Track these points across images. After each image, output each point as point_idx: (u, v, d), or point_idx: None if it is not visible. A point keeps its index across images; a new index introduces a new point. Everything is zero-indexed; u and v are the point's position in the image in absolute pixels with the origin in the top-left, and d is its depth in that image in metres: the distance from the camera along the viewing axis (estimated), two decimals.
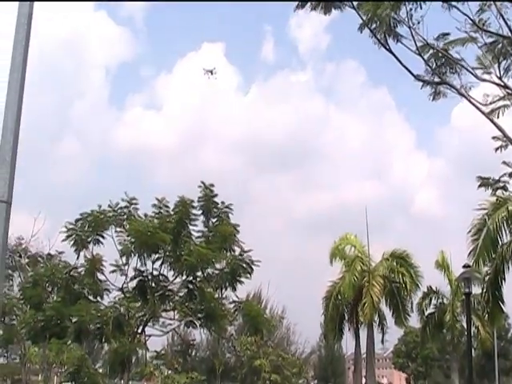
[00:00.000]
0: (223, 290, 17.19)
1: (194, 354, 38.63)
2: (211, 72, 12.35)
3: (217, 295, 17.20)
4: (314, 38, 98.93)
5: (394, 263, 27.09)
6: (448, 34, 17.21)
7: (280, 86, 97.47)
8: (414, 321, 29.05)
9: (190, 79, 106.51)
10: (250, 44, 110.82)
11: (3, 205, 7.19)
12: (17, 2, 7.66)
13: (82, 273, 16.62)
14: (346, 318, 28.14)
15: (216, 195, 17.05)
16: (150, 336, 18.20)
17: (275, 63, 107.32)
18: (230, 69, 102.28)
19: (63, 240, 16.53)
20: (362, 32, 16.58)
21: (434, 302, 28.57)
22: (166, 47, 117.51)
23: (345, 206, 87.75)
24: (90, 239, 16.34)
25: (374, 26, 16.40)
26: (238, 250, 17.06)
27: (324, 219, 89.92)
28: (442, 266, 27.71)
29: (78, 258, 16.56)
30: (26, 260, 26.46)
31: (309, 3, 16.36)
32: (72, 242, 16.35)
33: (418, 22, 16.46)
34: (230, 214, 17.15)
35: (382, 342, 31.73)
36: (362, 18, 16.22)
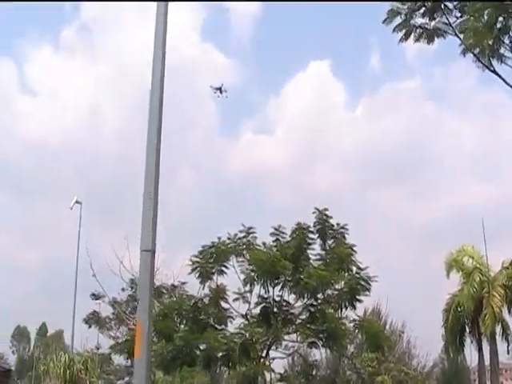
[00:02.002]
0: (343, 310, 17.29)
1: (315, 373, 38.62)
2: (220, 90, 11.49)
3: (337, 315, 17.29)
4: (421, 43, 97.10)
5: None
6: None
7: (389, 96, 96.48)
8: None
9: (299, 100, 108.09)
10: (357, 58, 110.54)
11: (148, 253, 7.79)
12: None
13: (207, 302, 17.19)
14: (467, 329, 27.50)
15: (331, 217, 17.29)
16: (273, 359, 18.54)
17: (383, 74, 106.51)
18: (337, 85, 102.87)
19: (189, 273, 17.36)
20: (464, 56, 16.54)
21: None
22: (274, 70, 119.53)
23: (461, 213, 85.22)
24: (213, 270, 16.94)
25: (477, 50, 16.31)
26: (354, 269, 17.20)
27: (440, 228, 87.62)
28: None
29: (203, 288, 17.24)
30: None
31: (412, 35, 16.56)
32: (197, 275, 17.02)
33: None
34: (345, 234, 17.32)
35: (508, 352, 30.65)
36: (465, 45, 16.17)
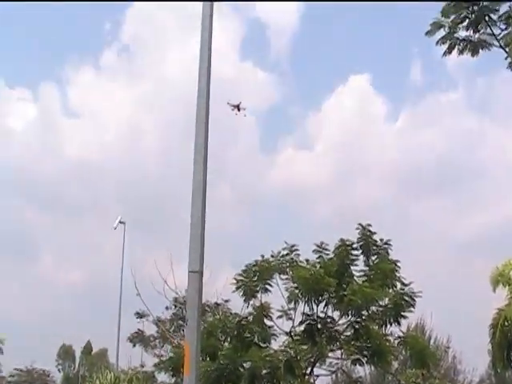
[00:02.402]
0: (388, 326, 17.17)
1: None
2: (238, 107, 10.36)
3: (382, 332, 17.17)
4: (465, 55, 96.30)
5: None
6: None
7: (430, 107, 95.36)
8: None
9: (339, 114, 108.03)
10: (397, 70, 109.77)
11: (196, 275, 7.89)
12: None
13: (251, 320, 17.24)
14: None
15: (374, 233, 17.23)
16: (318, 376, 18.49)
17: (424, 86, 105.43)
18: (377, 99, 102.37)
19: (233, 291, 17.40)
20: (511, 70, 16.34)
21: None
22: (314, 85, 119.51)
23: (507, 225, 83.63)
24: (257, 288, 16.99)
25: None
26: (399, 285, 17.09)
27: (484, 241, 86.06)
28: None
29: (247, 307, 17.30)
30: None
31: (456, 48, 16.47)
32: (241, 293, 17.10)
33: None
34: (389, 250, 17.24)
35: None
36: (511, 58, 16.03)
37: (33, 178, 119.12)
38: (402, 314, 16.95)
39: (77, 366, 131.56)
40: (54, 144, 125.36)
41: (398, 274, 17.05)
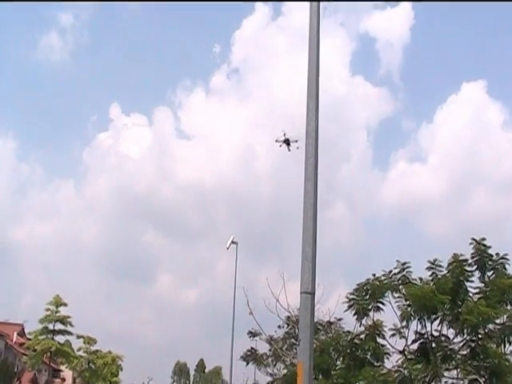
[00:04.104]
0: (507, 345, 16.58)
1: None
2: (287, 142, 9.64)
3: (500, 350, 16.59)
4: None
5: None
6: None
7: None
8: None
9: (453, 124, 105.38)
10: None
11: (308, 296, 8.07)
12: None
13: (363, 338, 17.17)
14: None
15: (489, 247, 16.71)
16: None
17: None
18: (493, 106, 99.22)
19: (345, 310, 17.42)
20: None
21: None
22: (425, 96, 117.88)
23: None
24: (370, 307, 16.92)
25: None
26: None
27: None
28: None
29: (360, 325, 17.23)
30: None
31: None
32: (354, 312, 17.08)
33: None
34: (506, 265, 16.66)
35: None
36: None
37: (150, 201, 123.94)
38: None
39: (191, 383, 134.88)
40: (168, 168, 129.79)
41: None
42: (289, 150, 9.32)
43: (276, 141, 9.55)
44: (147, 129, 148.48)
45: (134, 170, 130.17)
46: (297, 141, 9.86)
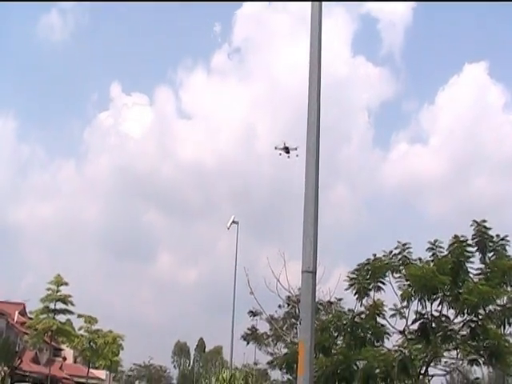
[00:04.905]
0: (506, 326, 16.64)
1: None
2: (286, 150, 9.58)
3: (500, 331, 16.66)
4: None
5: None
6: None
7: None
8: None
9: (454, 105, 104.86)
10: None
11: (310, 275, 8.09)
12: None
13: (364, 317, 17.24)
14: None
15: (490, 229, 16.72)
16: (432, 376, 18.20)
17: None
18: (495, 88, 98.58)
19: (346, 289, 17.50)
20: None
21: None
22: (426, 78, 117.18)
23: None
24: (370, 287, 16.98)
25: None
26: None
27: None
28: None
29: (361, 305, 17.32)
30: None
31: None
32: (354, 291, 17.14)
33: None
34: (507, 246, 16.66)
35: None
36: None
37: (151, 181, 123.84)
38: None
39: (191, 362, 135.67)
40: (169, 147, 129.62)
41: None
42: (288, 157, 9.32)
43: (275, 148, 9.45)
44: (148, 108, 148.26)
45: (135, 150, 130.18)
46: (296, 148, 9.89)
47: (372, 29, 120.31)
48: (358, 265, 17.42)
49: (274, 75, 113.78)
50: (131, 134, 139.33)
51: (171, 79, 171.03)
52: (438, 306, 16.61)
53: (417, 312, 16.73)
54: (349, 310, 18.24)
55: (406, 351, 16.28)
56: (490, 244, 16.70)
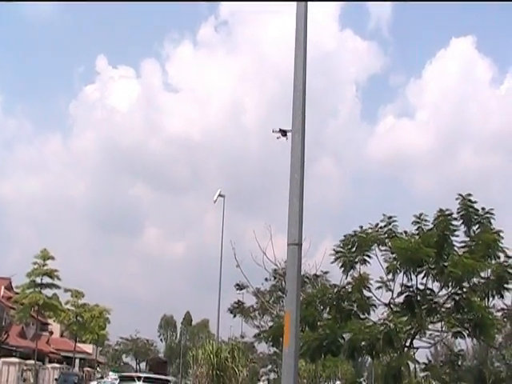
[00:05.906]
0: (490, 299, 16.79)
1: (460, 363, 37.72)
2: (284, 133, 9.33)
3: (484, 304, 16.80)
4: None
5: None
6: None
7: None
8: None
9: (441, 80, 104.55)
10: (503, 31, 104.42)
11: (295, 247, 8.09)
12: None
13: (349, 290, 17.29)
14: None
15: (475, 202, 16.78)
16: (417, 348, 18.36)
17: None
18: (482, 62, 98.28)
19: (332, 262, 17.53)
20: None
21: None
22: (414, 52, 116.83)
23: None
24: (356, 259, 17.00)
25: None
26: (502, 256, 16.60)
27: None
28: None
29: (346, 278, 17.37)
30: None
31: None
32: (340, 264, 17.17)
33: None
34: (492, 220, 16.75)
35: None
36: None
37: (138, 155, 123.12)
38: (506, 286, 16.39)
39: (178, 335, 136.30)
40: (156, 121, 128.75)
41: (501, 245, 16.44)
42: (286, 139, 9.22)
43: (273, 131, 9.41)
44: (134, 81, 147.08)
45: (122, 124, 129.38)
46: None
47: (360, 2, 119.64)
48: (344, 236, 17.42)
49: (261, 48, 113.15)
50: (118, 107, 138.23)
51: (158, 52, 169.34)
52: (423, 278, 16.70)
53: (402, 285, 16.86)
54: (334, 286, 18.30)
55: (391, 324, 16.35)
56: (475, 217, 16.78)
